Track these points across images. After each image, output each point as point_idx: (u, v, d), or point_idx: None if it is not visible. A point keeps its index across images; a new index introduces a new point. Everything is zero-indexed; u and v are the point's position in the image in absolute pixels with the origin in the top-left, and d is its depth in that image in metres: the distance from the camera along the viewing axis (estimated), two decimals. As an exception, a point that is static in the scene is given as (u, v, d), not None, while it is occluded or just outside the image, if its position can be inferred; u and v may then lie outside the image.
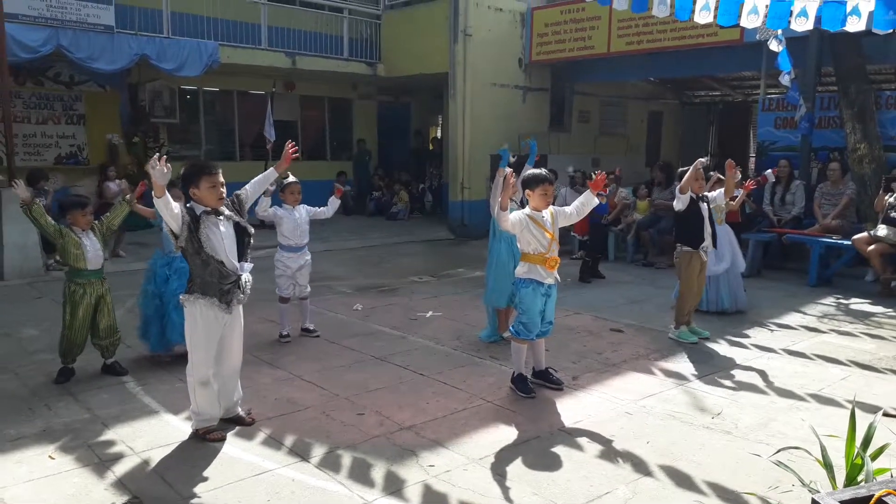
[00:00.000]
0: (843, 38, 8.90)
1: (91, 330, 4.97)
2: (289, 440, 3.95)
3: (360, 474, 3.56)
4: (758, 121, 11.86)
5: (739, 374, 5.16)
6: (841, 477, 2.81)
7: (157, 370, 5.15)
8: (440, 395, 4.66)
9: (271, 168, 4.33)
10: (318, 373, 5.12)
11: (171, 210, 3.64)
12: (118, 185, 9.44)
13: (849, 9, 5.96)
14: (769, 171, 8.75)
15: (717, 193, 6.24)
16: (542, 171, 4.73)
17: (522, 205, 4.96)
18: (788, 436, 4.03)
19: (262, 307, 6.50)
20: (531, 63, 13.31)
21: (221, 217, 3.87)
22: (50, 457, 3.73)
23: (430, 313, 6.94)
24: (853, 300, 7.63)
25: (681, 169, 6.19)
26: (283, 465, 3.66)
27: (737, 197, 6.85)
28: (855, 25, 5.94)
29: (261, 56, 12.58)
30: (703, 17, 6.68)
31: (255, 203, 4.69)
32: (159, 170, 3.53)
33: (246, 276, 3.94)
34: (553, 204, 4.75)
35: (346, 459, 3.72)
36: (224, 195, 3.88)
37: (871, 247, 7.79)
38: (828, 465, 2.77)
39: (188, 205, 3.81)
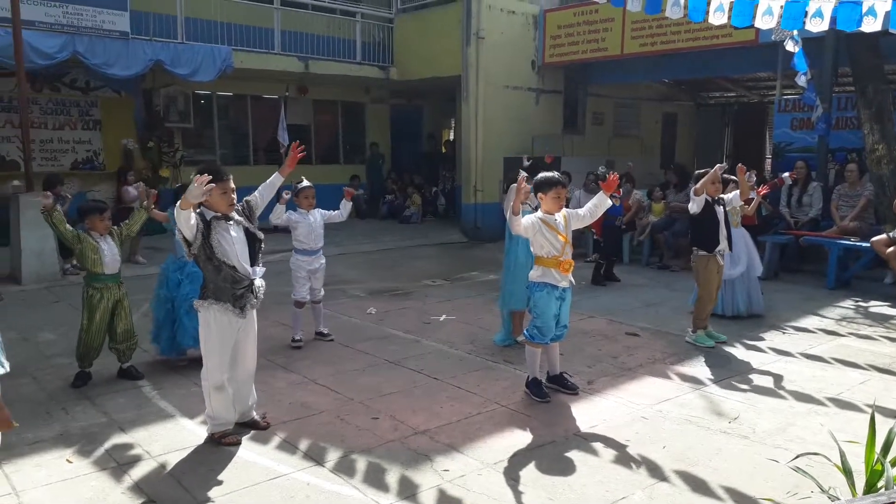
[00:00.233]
0: (860, 39, 8.80)
1: (108, 334, 5.01)
2: (303, 444, 3.95)
3: (375, 479, 3.56)
4: (774, 122, 11.77)
5: (757, 378, 5.11)
6: (860, 483, 2.77)
7: (173, 374, 5.18)
8: (454, 400, 4.65)
9: (276, 173, 4.29)
10: (332, 376, 5.13)
11: (188, 220, 3.66)
12: (137, 190, 9.55)
13: (864, 9, 5.90)
14: (786, 174, 8.68)
15: (732, 195, 6.19)
16: (555, 174, 4.71)
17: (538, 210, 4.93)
18: (807, 441, 3.98)
19: (276, 311, 6.52)
20: (544, 65, 13.28)
21: (232, 222, 3.89)
22: (68, 460, 3.76)
23: (444, 317, 6.93)
24: (872, 303, 7.55)
25: (697, 171, 6.14)
26: (298, 469, 3.67)
27: (752, 200, 6.80)
28: (871, 26, 5.88)
29: (274, 60, 12.65)
30: (717, 18, 6.63)
31: (269, 209, 4.70)
32: (198, 189, 3.51)
33: (259, 282, 3.96)
34: (567, 206, 4.73)
35: (361, 464, 3.72)
36: (235, 201, 3.90)
37: (890, 249, 7.68)
38: (847, 472, 2.73)
39: (198, 210, 3.83)
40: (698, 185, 5.79)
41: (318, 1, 13.69)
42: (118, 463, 3.73)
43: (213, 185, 3.66)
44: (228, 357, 3.95)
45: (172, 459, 3.77)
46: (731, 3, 6.52)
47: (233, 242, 3.86)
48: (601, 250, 9.03)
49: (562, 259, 4.52)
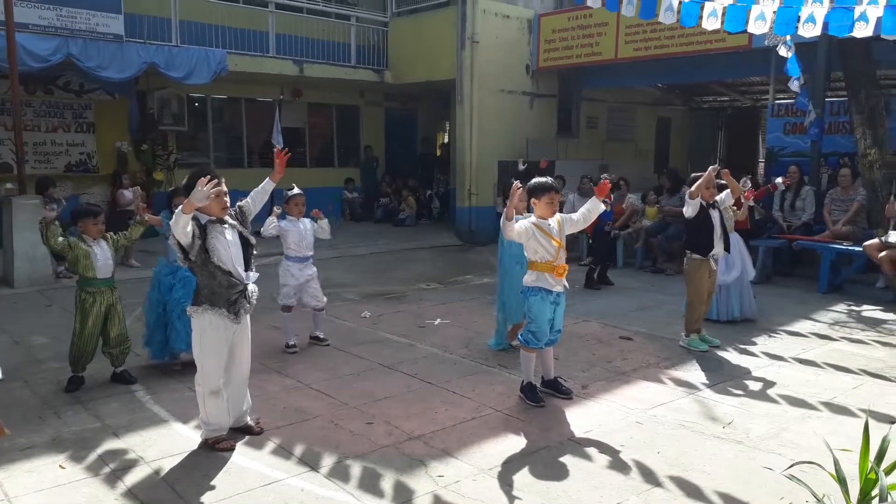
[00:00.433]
0: (853, 44, 8.85)
1: (102, 338, 4.99)
2: (298, 450, 3.95)
3: (369, 484, 3.55)
4: (767, 126, 11.82)
5: (750, 383, 5.13)
6: (855, 490, 2.78)
7: (166, 379, 5.16)
8: (449, 404, 4.65)
9: (267, 178, 4.30)
10: (326, 381, 5.12)
11: (186, 226, 3.64)
12: (132, 193, 9.52)
13: (856, 15, 5.93)
14: (779, 179, 8.70)
15: (724, 195, 6.20)
16: (548, 179, 4.72)
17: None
18: (801, 446, 4.00)
19: (269, 315, 6.51)
20: (538, 69, 13.31)
21: (227, 225, 3.89)
22: (60, 466, 3.74)
23: (438, 321, 6.93)
24: (865, 307, 7.58)
25: (693, 174, 6.16)
26: (292, 475, 3.66)
27: (742, 204, 6.82)
28: (863, 31, 5.91)
29: (269, 64, 12.63)
30: (710, 23, 6.66)
31: (262, 215, 4.69)
32: (203, 192, 3.52)
33: (252, 287, 3.95)
34: (561, 210, 4.73)
35: (355, 469, 3.71)
36: (228, 204, 3.89)
37: (883, 253, 7.71)
38: (841, 480, 2.74)
39: (192, 215, 3.81)
40: (693, 189, 5.81)
41: (312, 4, 13.70)
42: (111, 469, 3.71)
43: (218, 187, 3.66)
44: (224, 362, 3.93)
45: (166, 465, 3.75)
46: (724, 8, 6.55)
47: (228, 246, 3.86)
48: (594, 254, 9.04)
49: (556, 264, 4.52)
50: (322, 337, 6.07)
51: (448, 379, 5.16)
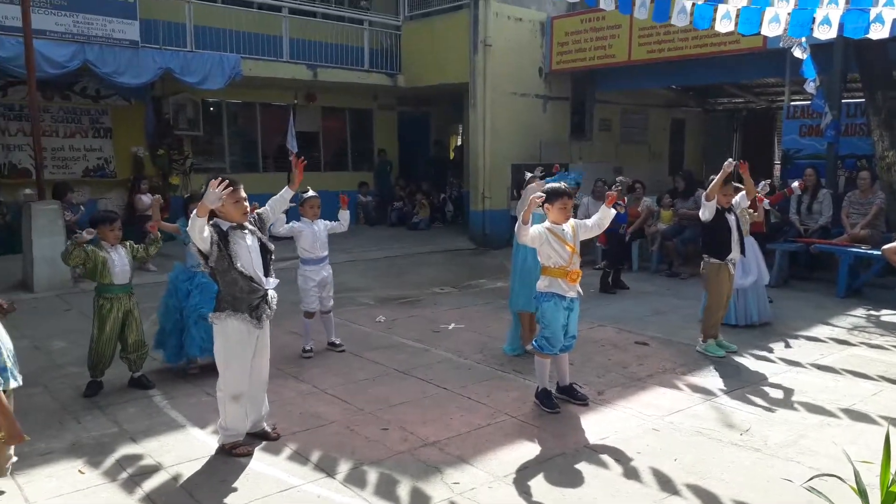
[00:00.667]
0: (869, 45, 8.77)
1: (120, 343, 5.04)
2: (314, 455, 3.96)
3: (385, 491, 3.56)
4: (782, 129, 11.73)
5: (768, 389, 5.09)
6: (875, 502, 2.75)
7: (183, 383, 5.20)
8: (464, 410, 4.65)
9: (286, 187, 4.39)
10: (341, 386, 5.14)
11: (202, 232, 3.68)
12: (150, 199, 9.60)
13: (872, 16, 5.88)
14: (795, 183, 8.63)
15: (739, 197, 6.17)
16: (561, 184, 4.71)
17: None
18: (819, 453, 3.96)
19: (286, 319, 6.52)
20: (551, 72, 13.29)
21: (247, 231, 3.93)
22: (80, 471, 3.78)
23: (453, 325, 6.93)
24: (884, 311, 7.50)
25: (712, 177, 6.11)
26: (309, 480, 3.67)
27: (757, 206, 6.78)
28: (878, 33, 5.86)
29: (282, 68, 12.71)
30: (723, 25, 6.62)
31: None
32: (215, 193, 3.55)
33: (272, 293, 3.98)
34: (575, 213, 4.72)
35: (372, 476, 3.72)
36: (248, 210, 3.93)
37: (901, 256, 7.64)
38: (862, 493, 2.71)
39: (212, 221, 3.85)
40: (708, 190, 5.78)
41: (326, 9, 13.76)
42: (130, 474, 3.74)
43: (230, 188, 3.70)
44: (247, 368, 3.96)
45: (184, 470, 3.78)
46: (738, 10, 6.51)
47: (248, 251, 3.89)
48: (608, 258, 9.02)
49: (569, 269, 4.51)
50: (338, 343, 6.08)
51: (463, 384, 5.16)
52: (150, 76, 10.92)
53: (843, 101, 9.96)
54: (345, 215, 5.91)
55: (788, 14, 6.27)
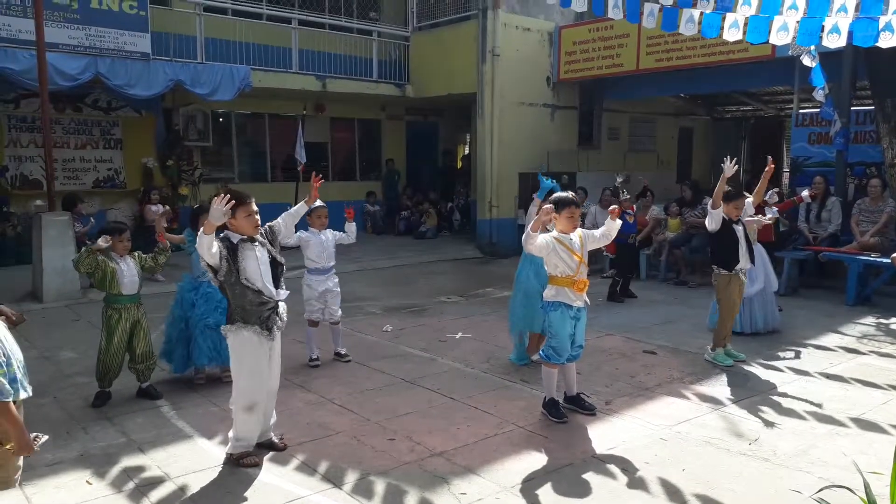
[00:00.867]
0: (879, 52, 8.74)
1: (128, 354, 5.06)
2: (321, 466, 3.96)
3: (392, 502, 3.56)
4: (791, 136, 11.69)
5: (777, 399, 5.05)
6: (885, 511, 2.73)
7: (191, 394, 5.21)
8: (471, 420, 4.64)
9: (302, 202, 4.47)
10: (348, 396, 5.14)
11: (210, 248, 3.71)
12: (160, 209, 9.67)
13: (881, 25, 5.87)
14: (805, 192, 8.59)
15: (745, 204, 6.15)
16: (569, 193, 4.71)
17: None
18: (829, 464, 3.93)
19: (293, 329, 6.48)
20: (559, 81, 13.32)
21: (257, 244, 3.95)
22: (87, 482, 3.79)
23: (460, 335, 6.93)
24: (893, 320, 7.44)
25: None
26: (316, 491, 3.67)
27: (764, 210, 6.78)
28: (888, 41, 5.85)
29: (292, 79, 12.79)
30: (731, 34, 6.63)
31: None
32: (218, 210, 3.57)
33: (283, 305, 4.00)
34: (584, 221, 4.71)
35: (379, 486, 3.72)
36: (259, 223, 3.95)
37: (912, 265, 7.59)
38: None
39: (223, 234, 3.87)
40: (714, 197, 5.77)
41: (334, 20, 13.85)
42: (137, 485, 3.75)
43: (234, 203, 3.73)
44: (262, 379, 3.98)
45: (191, 481, 3.79)
46: (746, 19, 6.51)
47: (258, 264, 3.91)
48: (617, 267, 8.99)
49: (576, 278, 4.51)
50: (344, 353, 6.08)
51: (470, 394, 5.15)
52: (161, 88, 11.02)
53: (852, 108, 9.92)
54: (352, 227, 5.92)
55: (797, 23, 6.27)
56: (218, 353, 5.21)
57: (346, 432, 4.45)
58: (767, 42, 6.55)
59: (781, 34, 6.36)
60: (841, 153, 9.83)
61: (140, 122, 12.39)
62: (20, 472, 3.01)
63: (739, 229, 5.86)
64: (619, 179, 8.52)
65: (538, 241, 4.47)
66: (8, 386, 2.65)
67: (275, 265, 4.02)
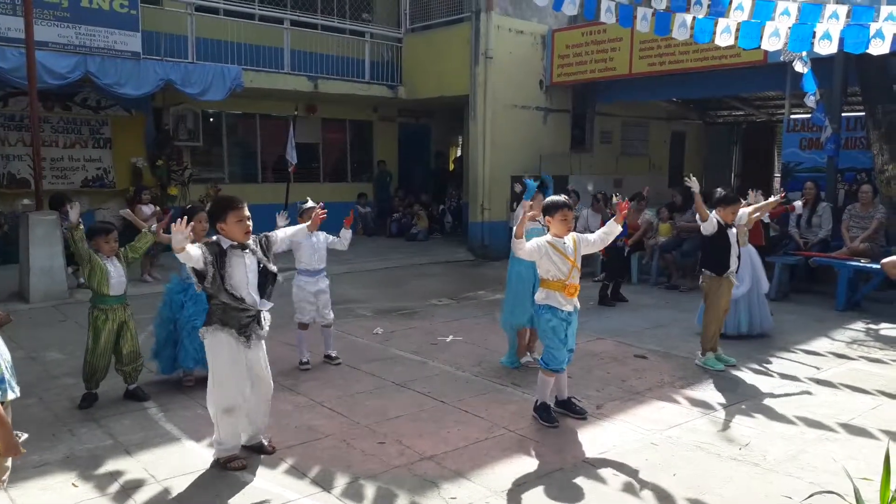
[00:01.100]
0: (870, 59, 8.80)
1: (114, 355, 5.01)
2: (310, 469, 3.93)
3: (381, 506, 3.53)
4: (783, 142, 11.75)
5: (767, 403, 5.05)
6: (876, 517, 2.72)
7: (179, 395, 5.16)
8: (461, 424, 4.61)
9: (302, 226, 4.50)
10: (338, 399, 5.10)
11: (191, 258, 3.67)
12: (151, 209, 9.61)
13: (872, 32, 5.91)
14: (798, 202, 8.64)
15: (741, 213, 6.18)
16: (562, 196, 4.70)
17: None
18: (819, 468, 3.93)
19: (283, 331, 6.50)
20: (552, 84, 13.33)
21: (247, 251, 3.90)
22: (73, 484, 3.74)
23: (451, 338, 6.91)
24: (883, 325, 7.47)
25: (718, 193, 6.08)
26: (305, 495, 3.64)
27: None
28: (878, 48, 5.89)
29: (283, 80, 12.73)
30: (723, 39, 6.66)
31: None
32: (179, 238, 3.50)
33: (266, 315, 3.96)
34: (575, 225, 4.70)
35: (368, 490, 3.69)
36: (250, 229, 3.91)
37: (901, 270, 7.62)
38: (862, 508, 2.68)
39: (214, 238, 3.83)
40: (699, 213, 5.79)
41: (327, 21, 13.81)
42: (123, 487, 3.71)
43: (225, 207, 3.72)
44: (239, 381, 3.92)
45: (178, 484, 3.75)
46: (739, 24, 6.54)
47: (245, 271, 3.87)
48: (608, 271, 9.00)
49: (567, 283, 4.49)
50: (334, 356, 6.04)
51: (461, 398, 5.12)
52: (152, 87, 10.94)
53: (843, 114, 9.98)
54: (347, 234, 5.83)
55: (789, 28, 6.30)
56: (205, 356, 5.15)
57: (336, 436, 4.42)
58: (759, 47, 6.58)
59: (773, 40, 6.39)
60: (832, 159, 9.88)
61: (130, 121, 12.30)
62: (7, 474, 2.96)
63: (733, 233, 5.87)
64: (589, 187, 8.56)
65: (527, 247, 4.44)
66: (-7, 387, 2.61)
67: (265, 274, 3.96)
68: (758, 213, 6.67)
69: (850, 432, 4.51)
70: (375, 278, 10.53)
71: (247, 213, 3.87)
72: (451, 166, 17.95)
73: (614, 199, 5.08)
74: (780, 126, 14.41)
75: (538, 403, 4.67)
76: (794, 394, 5.27)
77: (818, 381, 5.57)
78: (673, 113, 16.70)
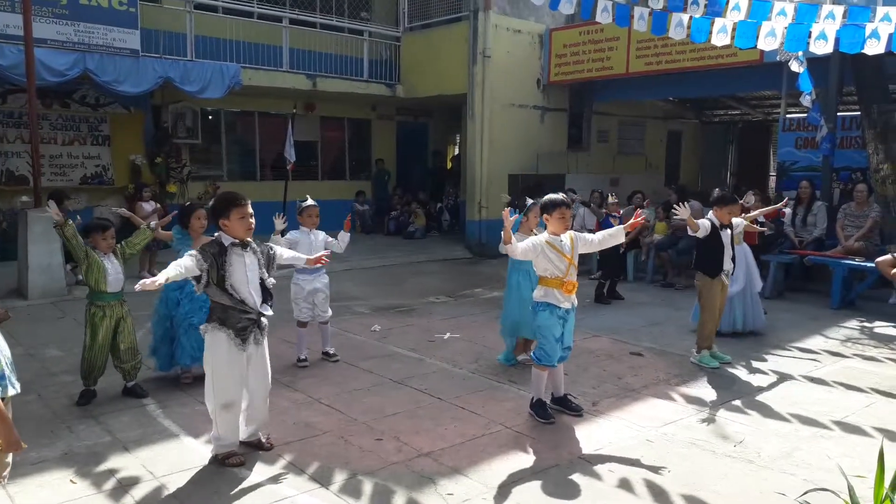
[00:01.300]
0: (865, 59, 8.85)
1: (112, 352, 5.02)
2: (308, 466, 3.95)
3: (380, 502, 3.55)
4: (778, 141, 11.80)
5: (761, 401, 5.09)
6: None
7: (177, 392, 5.19)
8: (458, 421, 4.64)
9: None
10: (336, 396, 5.13)
11: (184, 270, 3.70)
12: (151, 206, 9.62)
13: (868, 32, 5.95)
14: (787, 209, 8.74)
15: (738, 221, 6.23)
16: (559, 195, 4.72)
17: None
18: (813, 466, 3.96)
19: (282, 328, 6.52)
20: (549, 84, 13.36)
21: (248, 249, 3.92)
22: (71, 481, 3.76)
23: (448, 335, 6.94)
24: (877, 323, 7.52)
25: (716, 196, 6.11)
26: (303, 491, 3.66)
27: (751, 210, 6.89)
28: (874, 48, 5.93)
29: (282, 78, 12.75)
30: (720, 39, 6.70)
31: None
32: (151, 286, 3.45)
33: (265, 320, 4.00)
34: (573, 222, 4.72)
35: (366, 486, 3.71)
36: (253, 226, 3.92)
37: (895, 269, 7.66)
38: (856, 505, 2.71)
39: (215, 235, 3.85)
40: (689, 224, 5.80)
41: (326, 19, 13.82)
42: (121, 484, 3.73)
43: (228, 203, 3.79)
44: (236, 379, 3.94)
45: (176, 480, 3.77)
46: (735, 24, 6.58)
47: (246, 270, 3.88)
48: (604, 268, 9.02)
49: (565, 280, 4.52)
50: (332, 353, 6.07)
51: (458, 395, 5.16)
52: (150, 85, 10.95)
53: (838, 114, 10.04)
54: (345, 238, 5.82)
55: (785, 28, 6.34)
56: (202, 353, 5.18)
57: (334, 432, 4.45)
58: (756, 47, 6.62)
59: (769, 40, 6.43)
60: (827, 158, 9.94)
61: (128, 118, 12.31)
62: (8, 470, 2.99)
63: (727, 234, 5.90)
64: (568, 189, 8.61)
65: (520, 248, 4.45)
66: (-7, 383, 2.63)
67: (263, 287, 3.96)
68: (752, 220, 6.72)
69: (845, 430, 4.55)
70: (373, 276, 10.56)
71: (250, 210, 3.89)
72: (449, 165, 17.97)
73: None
74: (776, 125, 14.45)
75: (534, 400, 4.71)
76: (788, 391, 5.31)
77: (812, 379, 5.61)
78: (669, 112, 16.75)
